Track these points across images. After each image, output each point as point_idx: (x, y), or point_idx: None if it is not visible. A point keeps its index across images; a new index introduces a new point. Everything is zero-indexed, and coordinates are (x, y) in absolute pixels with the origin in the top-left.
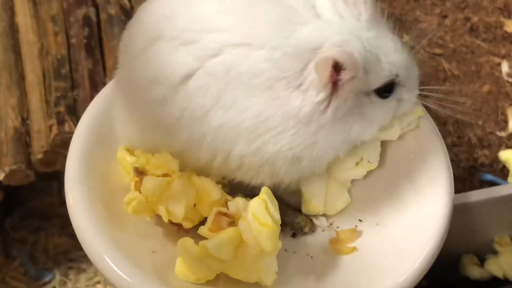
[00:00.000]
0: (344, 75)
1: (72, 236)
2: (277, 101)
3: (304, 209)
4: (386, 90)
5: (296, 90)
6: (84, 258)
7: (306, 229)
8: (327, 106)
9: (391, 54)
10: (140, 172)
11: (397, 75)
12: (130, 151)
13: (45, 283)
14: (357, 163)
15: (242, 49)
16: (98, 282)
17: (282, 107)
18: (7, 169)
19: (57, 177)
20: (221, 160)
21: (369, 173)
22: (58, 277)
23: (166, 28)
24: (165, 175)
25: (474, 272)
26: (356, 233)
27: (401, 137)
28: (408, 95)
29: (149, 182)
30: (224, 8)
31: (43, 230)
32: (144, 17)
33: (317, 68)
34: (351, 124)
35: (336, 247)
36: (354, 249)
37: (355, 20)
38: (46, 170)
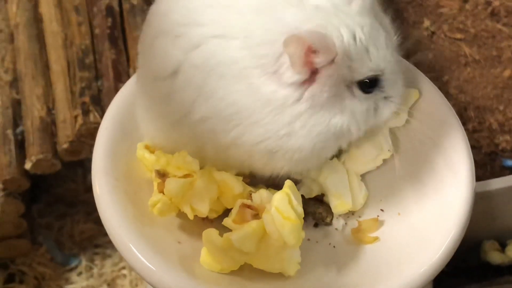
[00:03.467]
0: (319, 59)
1: (98, 222)
2: (252, 89)
3: (335, 210)
4: (369, 85)
5: (271, 76)
6: (110, 244)
7: (328, 220)
8: (303, 92)
9: (381, 49)
10: (162, 174)
11: (382, 72)
12: (149, 149)
13: (71, 269)
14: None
15: (220, 40)
16: (124, 268)
17: (257, 94)
18: (33, 158)
19: (82, 165)
20: (214, 153)
21: (389, 162)
22: (84, 262)
23: (163, 24)
24: (187, 175)
25: (495, 257)
26: (378, 223)
27: (420, 124)
28: (384, 104)
29: (171, 184)
30: (210, 2)
31: (69, 216)
32: (149, 16)
33: (286, 47)
34: (330, 117)
35: (358, 237)
36: (376, 238)
37: (345, 5)
38: (72, 159)
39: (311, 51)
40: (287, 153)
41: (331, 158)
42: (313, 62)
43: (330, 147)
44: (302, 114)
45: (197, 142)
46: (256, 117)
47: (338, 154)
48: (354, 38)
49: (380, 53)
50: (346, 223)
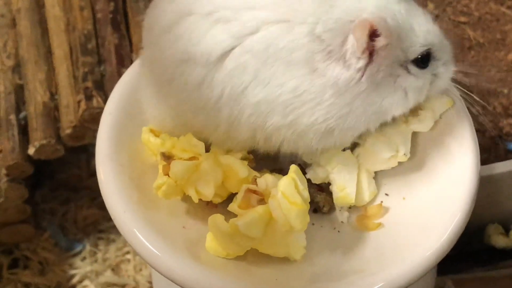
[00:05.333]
0: (379, 42)
1: (101, 207)
2: (316, 73)
3: (336, 201)
4: (422, 61)
5: (335, 61)
6: (114, 228)
7: (325, 209)
8: (363, 74)
9: (424, 24)
10: (167, 157)
11: (432, 45)
12: (154, 133)
13: (75, 254)
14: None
15: (282, 26)
16: (128, 253)
17: (320, 78)
18: (37, 144)
19: (85, 150)
20: (258, 134)
21: None
22: (88, 247)
23: (196, 4)
24: (192, 158)
25: (499, 241)
26: (382, 209)
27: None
28: (444, 69)
29: (176, 167)
30: None
31: (73, 201)
32: None
33: (355, 32)
34: (384, 96)
35: (363, 224)
36: (379, 225)
37: None
38: (75, 144)
39: (374, 34)
40: (342, 131)
41: (344, 150)
42: (374, 45)
43: (377, 124)
44: (361, 93)
45: (233, 124)
46: (319, 100)
47: (352, 147)
48: (401, 20)
49: (424, 27)
50: (349, 215)
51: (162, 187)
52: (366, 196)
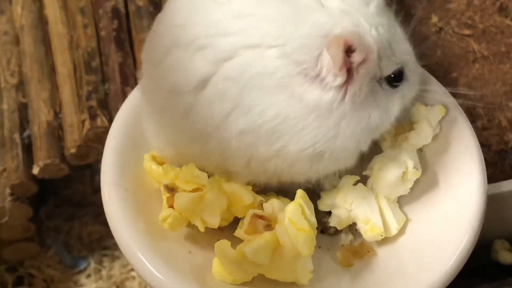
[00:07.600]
0: (356, 57)
1: (106, 223)
2: (295, 98)
3: (365, 235)
4: (395, 79)
5: (313, 82)
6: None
7: (331, 231)
8: (345, 93)
9: (401, 42)
10: (170, 189)
11: (406, 64)
12: (156, 160)
13: (80, 271)
14: (403, 174)
15: (254, 51)
16: (133, 270)
17: (301, 103)
18: (41, 163)
19: (89, 166)
20: (249, 164)
21: None
22: (92, 264)
23: (180, 36)
24: (196, 189)
25: (506, 257)
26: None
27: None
28: (410, 89)
29: (181, 199)
30: (235, 13)
31: (77, 218)
32: (160, 27)
33: (329, 49)
34: (369, 112)
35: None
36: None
37: (364, 7)
38: (79, 163)
39: (350, 50)
40: (333, 154)
41: (355, 184)
42: (351, 61)
43: (369, 141)
44: (346, 114)
45: (224, 155)
46: (302, 125)
47: (363, 181)
48: (379, 36)
49: (401, 47)
50: (354, 238)
51: (167, 220)
52: (395, 224)
